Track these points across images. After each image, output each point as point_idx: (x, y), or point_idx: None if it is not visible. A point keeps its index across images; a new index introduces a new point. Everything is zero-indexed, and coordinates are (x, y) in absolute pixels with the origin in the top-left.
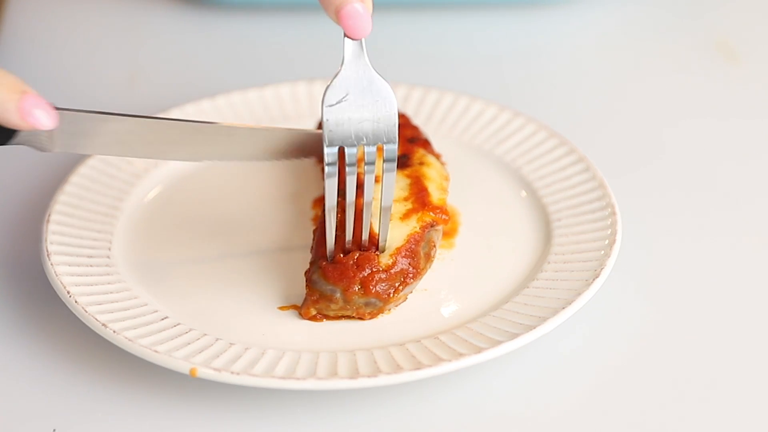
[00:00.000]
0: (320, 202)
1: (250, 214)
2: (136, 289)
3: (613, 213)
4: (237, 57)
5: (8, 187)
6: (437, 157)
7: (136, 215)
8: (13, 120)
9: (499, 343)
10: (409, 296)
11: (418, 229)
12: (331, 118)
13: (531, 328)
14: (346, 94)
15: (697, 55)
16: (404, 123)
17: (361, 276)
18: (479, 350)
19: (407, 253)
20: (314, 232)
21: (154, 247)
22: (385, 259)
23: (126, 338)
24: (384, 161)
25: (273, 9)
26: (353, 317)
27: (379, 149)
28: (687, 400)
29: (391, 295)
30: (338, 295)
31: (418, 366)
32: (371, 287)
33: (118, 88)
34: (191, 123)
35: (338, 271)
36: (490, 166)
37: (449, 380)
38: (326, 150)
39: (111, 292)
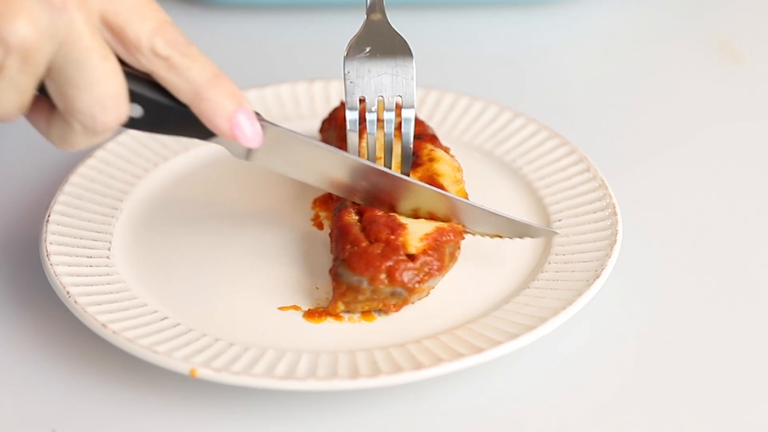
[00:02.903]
0: (320, 202)
1: (251, 215)
2: (136, 289)
3: (614, 213)
4: (237, 57)
5: (8, 187)
6: (446, 150)
7: (136, 215)
8: (221, 127)
9: (499, 343)
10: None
11: (445, 225)
12: (353, 70)
13: (531, 328)
14: (368, 49)
15: (698, 55)
16: None
17: (387, 265)
18: (479, 350)
19: (433, 244)
20: (330, 235)
21: (154, 247)
22: (412, 249)
23: (126, 338)
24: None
25: (273, 9)
26: (380, 309)
27: (398, 106)
28: (687, 400)
29: (417, 285)
30: (365, 285)
31: (418, 366)
32: (397, 276)
33: None
34: (395, 176)
35: (364, 261)
36: (490, 167)
37: (449, 380)
38: (348, 99)
39: (111, 292)
